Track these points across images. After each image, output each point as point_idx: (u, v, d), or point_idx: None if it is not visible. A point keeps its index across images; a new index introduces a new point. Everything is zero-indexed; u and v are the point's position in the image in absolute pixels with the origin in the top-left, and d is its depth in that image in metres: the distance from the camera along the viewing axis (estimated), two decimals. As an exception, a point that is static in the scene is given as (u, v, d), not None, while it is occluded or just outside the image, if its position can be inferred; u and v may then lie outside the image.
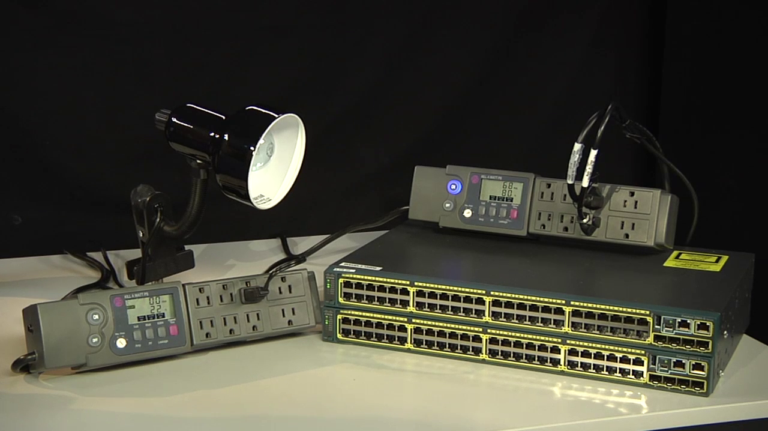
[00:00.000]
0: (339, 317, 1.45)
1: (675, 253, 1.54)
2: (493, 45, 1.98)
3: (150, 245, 1.56)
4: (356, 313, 1.45)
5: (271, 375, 1.38)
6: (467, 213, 1.60)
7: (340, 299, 1.45)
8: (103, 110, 1.83)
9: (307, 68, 1.90)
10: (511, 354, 1.39)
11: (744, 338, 1.49)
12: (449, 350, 1.42)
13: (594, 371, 1.36)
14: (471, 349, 1.41)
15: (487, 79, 1.99)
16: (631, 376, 1.34)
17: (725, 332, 1.35)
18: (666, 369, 1.32)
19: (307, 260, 1.71)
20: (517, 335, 1.38)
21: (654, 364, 1.33)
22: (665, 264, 1.50)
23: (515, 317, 1.38)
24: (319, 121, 1.79)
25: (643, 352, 1.33)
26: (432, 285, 1.41)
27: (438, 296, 1.41)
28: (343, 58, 1.92)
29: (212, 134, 1.44)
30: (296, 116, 1.47)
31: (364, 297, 1.44)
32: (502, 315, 1.39)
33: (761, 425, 1.32)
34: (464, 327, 1.40)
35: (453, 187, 1.61)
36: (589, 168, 1.46)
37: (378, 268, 1.45)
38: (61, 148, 1.83)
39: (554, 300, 1.36)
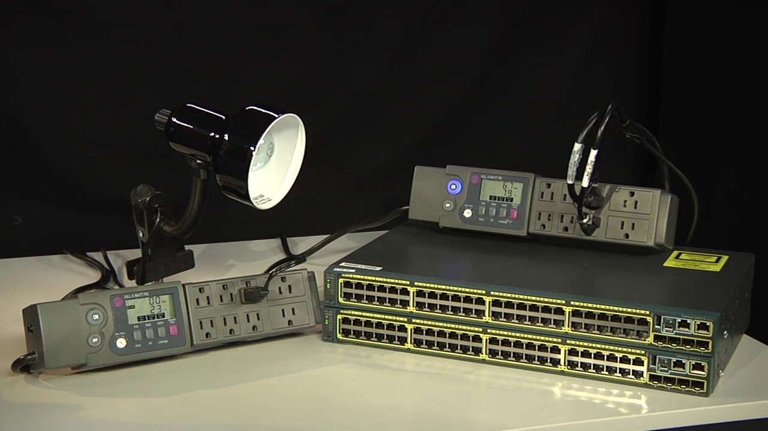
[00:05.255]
0: (339, 317, 1.45)
1: (675, 253, 1.54)
2: (493, 45, 1.98)
3: (150, 245, 1.56)
4: (356, 313, 1.45)
5: (271, 375, 1.38)
6: (467, 213, 1.60)
7: (340, 299, 1.45)
8: (103, 110, 1.83)
9: (307, 68, 1.90)
10: (511, 354, 1.39)
11: (744, 338, 1.49)
12: (449, 350, 1.42)
13: (594, 371, 1.36)
14: (471, 349, 1.41)
15: (487, 79, 2.00)
16: (631, 376, 1.34)
17: (725, 332, 1.35)
18: (666, 369, 1.32)
19: (307, 260, 1.71)
20: (517, 335, 1.38)
21: (654, 364, 1.33)
22: (665, 264, 1.50)
23: (515, 317, 1.38)
24: (319, 121, 1.80)
25: (643, 352, 1.33)
26: (432, 285, 1.41)
27: (438, 296, 1.41)
28: (343, 58, 1.92)
29: (212, 134, 1.44)
30: (296, 116, 1.47)
31: (364, 297, 1.44)
32: (502, 315, 1.39)
33: (761, 425, 1.32)
34: (464, 327, 1.40)
35: (453, 187, 1.61)
36: (589, 168, 1.46)
37: (378, 268, 1.45)
38: (61, 148, 1.83)
39: (554, 300, 1.36)
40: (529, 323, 1.38)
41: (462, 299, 1.40)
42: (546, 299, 1.37)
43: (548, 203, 1.56)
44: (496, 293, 1.39)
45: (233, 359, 1.41)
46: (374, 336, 1.45)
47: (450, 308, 1.41)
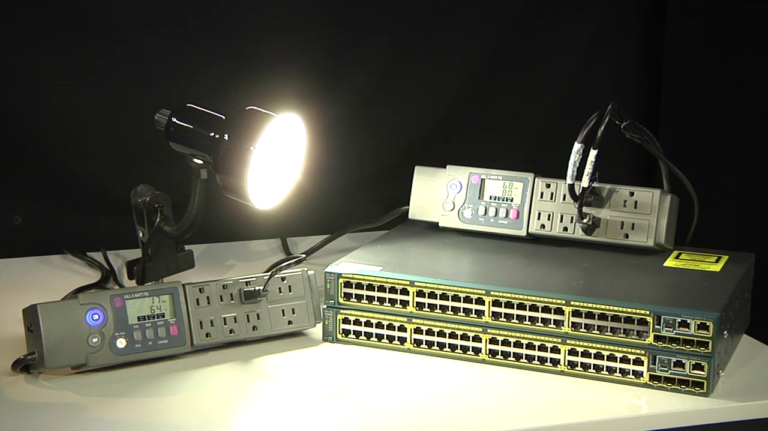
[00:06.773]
0: (339, 317, 1.45)
1: (675, 253, 1.53)
2: (492, 45, 1.98)
3: (150, 245, 1.56)
4: (356, 313, 1.45)
5: (271, 375, 1.38)
6: (467, 213, 1.60)
7: (340, 299, 1.45)
8: (103, 110, 1.83)
9: (307, 68, 1.90)
10: (511, 354, 1.39)
11: (744, 338, 1.49)
12: (449, 350, 1.42)
13: (594, 371, 1.36)
14: (471, 349, 1.41)
15: (487, 79, 1.99)
16: (631, 376, 1.34)
17: (725, 332, 1.35)
18: (666, 369, 1.32)
19: (307, 260, 1.71)
20: (517, 335, 1.38)
21: (654, 364, 1.33)
22: (665, 264, 1.50)
23: (515, 317, 1.38)
24: (319, 121, 1.79)
25: (643, 352, 1.33)
26: (432, 285, 1.41)
27: (438, 296, 1.41)
28: (343, 58, 1.92)
29: (212, 134, 1.44)
30: (296, 115, 1.47)
31: (364, 297, 1.44)
32: (502, 315, 1.39)
33: (761, 425, 1.32)
34: (464, 327, 1.40)
35: (453, 187, 1.61)
36: (589, 168, 1.47)
37: (378, 268, 1.45)
38: (61, 148, 1.83)
39: (554, 300, 1.36)
40: (529, 323, 1.38)
41: (462, 299, 1.40)
42: (546, 299, 1.37)
43: (548, 203, 1.56)
44: (496, 293, 1.39)
45: (233, 359, 1.41)
46: (374, 336, 1.45)
47: (450, 309, 1.41)
